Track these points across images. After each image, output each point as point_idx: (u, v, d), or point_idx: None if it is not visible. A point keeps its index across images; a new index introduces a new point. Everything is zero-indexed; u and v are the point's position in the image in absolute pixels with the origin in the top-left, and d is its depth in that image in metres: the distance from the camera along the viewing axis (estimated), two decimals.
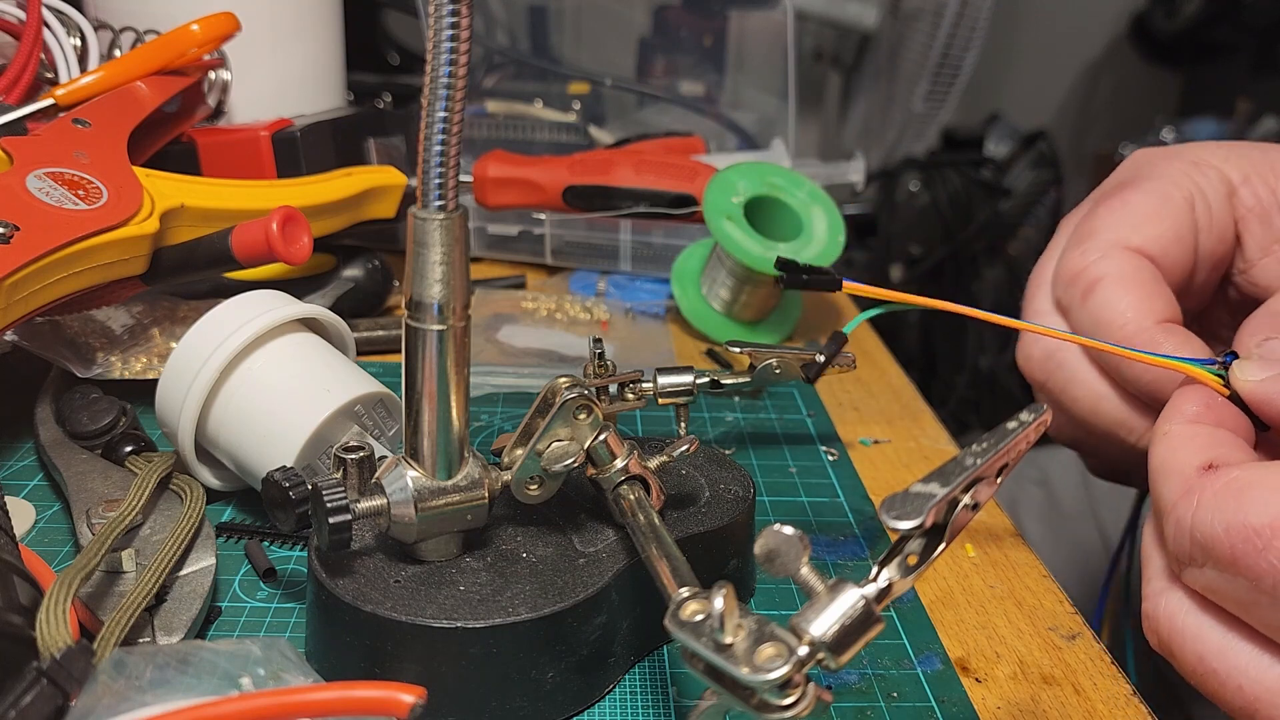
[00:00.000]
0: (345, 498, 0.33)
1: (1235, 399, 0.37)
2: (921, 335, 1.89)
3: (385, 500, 0.34)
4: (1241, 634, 0.33)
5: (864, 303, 0.44)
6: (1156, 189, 0.44)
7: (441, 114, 0.30)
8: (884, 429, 0.56)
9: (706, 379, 0.46)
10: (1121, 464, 0.48)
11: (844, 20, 1.76)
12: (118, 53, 0.66)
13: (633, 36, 1.02)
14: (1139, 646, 0.44)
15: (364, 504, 0.34)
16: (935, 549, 0.27)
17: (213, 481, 0.45)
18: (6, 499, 0.37)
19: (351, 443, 0.35)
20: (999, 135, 2.08)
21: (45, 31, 0.60)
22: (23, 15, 0.59)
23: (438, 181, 0.31)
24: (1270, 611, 0.31)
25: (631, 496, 0.36)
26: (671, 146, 0.76)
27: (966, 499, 0.27)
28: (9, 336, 0.51)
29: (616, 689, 0.36)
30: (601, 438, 0.36)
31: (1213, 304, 0.48)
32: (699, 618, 0.27)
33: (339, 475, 0.35)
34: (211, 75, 0.65)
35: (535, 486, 0.36)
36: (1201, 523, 0.32)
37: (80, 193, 0.47)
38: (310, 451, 0.42)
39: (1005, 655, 0.38)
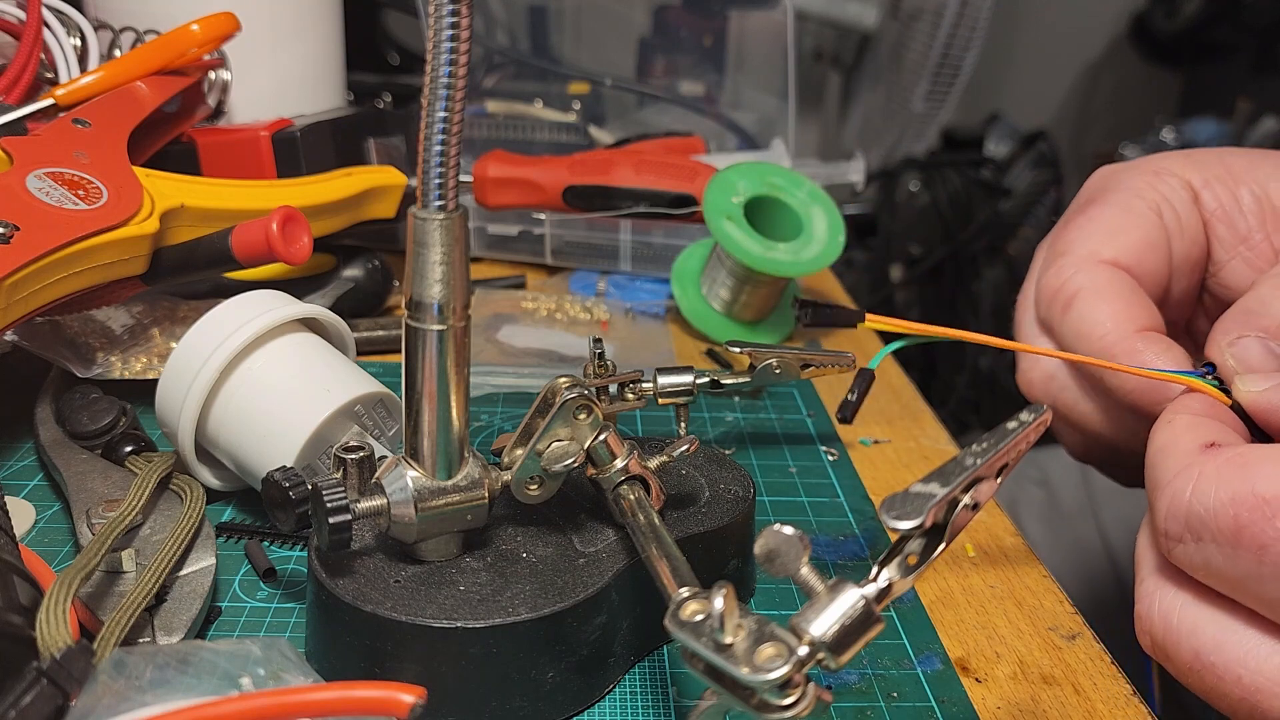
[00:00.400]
0: (345, 498, 0.33)
1: (1237, 409, 0.37)
2: None
3: (385, 500, 0.34)
4: (1239, 622, 0.32)
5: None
6: (1122, 201, 0.45)
7: (441, 114, 0.30)
8: (884, 429, 0.56)
9: (706, 379, 0.46)
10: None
11: (844, 20, 1.76)
12: (118, 53, 0.66)
13: (633, 36, 1.02)
14: (1164, 680, 0.43)
15: (364, 504, 0.34)
16: (935, 549, 0.28)
17: (213, 481, 0.45)
18: (6, 499, 0.37)
19: (351, 443, 0.36)
20: (999, 135, 2.08)
21: (45, 31, 0.60)
22: (23, 15, 0.59)
23: (438, 181, 0.31)
24: (1273, 585, 0.31)
25: (631, 496, 0.36)
26: (671, 146, 0.76)
27: (966, 499, 0.27)
28: (9, 336, 0.51)
29: (616, 689, 0.36)
30: (601, 438, 0.36)
31: (1195, 315, 0.49)
32: (699, 618, 0.27)
33: (339, 475, 0.35)
34: (211, 75, 0.65)
35: (535, 486, 0.36)
36: (1202, 493, 0.32)
37: (80, 193, 0.47)
38: (310, 451, 0.42)
39: (1005, 655, 0.38)
